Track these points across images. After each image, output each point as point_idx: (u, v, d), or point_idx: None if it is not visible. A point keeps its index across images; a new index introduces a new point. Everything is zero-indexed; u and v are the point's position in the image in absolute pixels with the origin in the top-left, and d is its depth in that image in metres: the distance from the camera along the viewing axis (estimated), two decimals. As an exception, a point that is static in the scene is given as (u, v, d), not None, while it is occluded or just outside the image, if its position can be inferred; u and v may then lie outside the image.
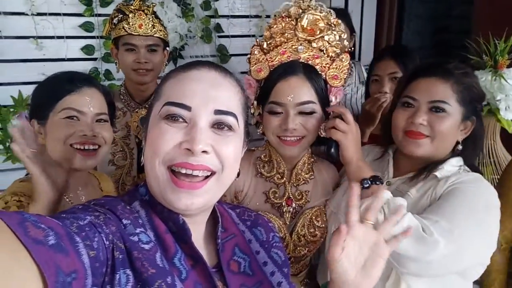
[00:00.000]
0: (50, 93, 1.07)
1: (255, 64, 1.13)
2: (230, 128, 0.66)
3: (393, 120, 1.12)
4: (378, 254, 0.72)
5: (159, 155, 0.62)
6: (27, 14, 1.93)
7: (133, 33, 1.53)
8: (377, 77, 1.69)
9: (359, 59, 2.52)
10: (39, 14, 1.95)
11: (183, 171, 0.61)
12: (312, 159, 1.22)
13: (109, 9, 2.04)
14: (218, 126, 0.65)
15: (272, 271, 0.76)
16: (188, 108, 0.63)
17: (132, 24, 1.53)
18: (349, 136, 1.05)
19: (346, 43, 1.15)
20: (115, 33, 1.56)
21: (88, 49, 2.08)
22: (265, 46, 1.13)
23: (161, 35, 1.60)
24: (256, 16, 2.40)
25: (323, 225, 1.17)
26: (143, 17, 1.56)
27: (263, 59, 1.11)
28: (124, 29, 1.53)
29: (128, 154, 1.60)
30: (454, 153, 1.09)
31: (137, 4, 1.56)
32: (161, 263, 0.59)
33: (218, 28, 2.32)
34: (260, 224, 0.83)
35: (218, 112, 0.64)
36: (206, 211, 0.71)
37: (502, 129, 1.73)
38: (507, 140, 1.78)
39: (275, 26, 1.12)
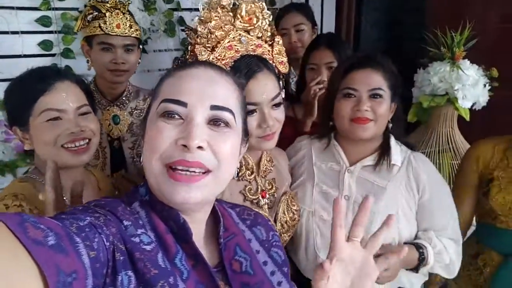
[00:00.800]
0: (23, 97, 1.02)
1: None
2: (226, 124, 0.66)
3: (337, 110, 1.23)
4: (366, 273, 0.68)
5: (156, 152, 0.62)
6: (-24, 8, 1.80)
7: (111, 33, 1.48)
8: (313, 65, 1.75)
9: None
10: (-11, 7, 1.83)
11: (180, 167, 0.61)
12: None
13: (67, 3, 1.97)
14: (214, 122, 0.65)
15: (272, 271, 0.77)
16: (184, 104, 0.63)
17: (110, 24, 1.49)
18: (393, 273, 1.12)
19: (273, 25, 1.16)
20: (89, 30, 1.51)
21: (45, 44, 1.97)
22: (207, 44, 1.05)
23: (137, 35, 1.58)
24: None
25: (298, 208, 1.22)
26: (121, 17, 1.52)
27: (213, 58, 1.04)
28: (101, 28, 1.48)
29: (101, 153, 1.56)
30: (386, 130, 1.26)
31: (113, 2, 1.50)
32: (163, 263, 0.59)
33: (182, 21, 2.28)
34: (259, 223, 0.84)
35: (214, 107, 0.65)
36: (205, 209, 0.72)
37: (459, 117, 1.85)
38: (464, 127, 1.90)
39: (212, 21, 1.04)
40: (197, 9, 2.26)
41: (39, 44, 1.96)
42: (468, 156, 1.48)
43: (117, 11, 1.52)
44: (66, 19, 1.98)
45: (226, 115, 0.66)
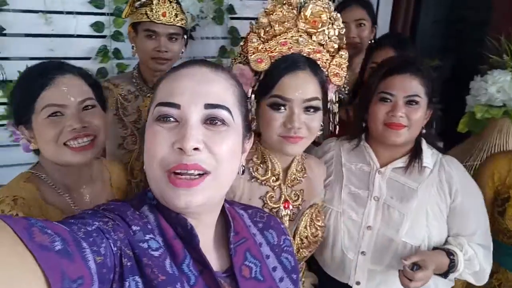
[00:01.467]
0: (25, 94, 0.99)
1: (254, 53, 1.04)
2: (223, 122, 0.64)
3: (371, 113, 1.23)
4: None
5: (155, 157, 0.61)
6: (36, -13, 1.88)
7: (156, 21, 1.49)
8: (375, 65, 1.62)
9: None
10: (48, -13, 1.90)
11: (178, 171, 0.60)
12: (303, 155, 1.19)
13: (121, -15, 2.00)
14: (210, 121, 0.63)
15: (281, 277, 0.76)
16: (177, 106, 0.62)
17: (156, 12, 1.49)
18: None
19: (344, 39, 1.12)
20: (135, 17, 1.52)
21: (97, 26, 2.03)
22: (262, 34, 1.04)
23: (182, 24, 1.57)
24: (270, -1, 2.33)
25: (323, 224, 1.18)
26: (167, 5, 1.52)
27: (262, 48, 1.03)
28: (147, 15, 1.49)
29: (139, 139, 1.59)
30: (419, 135, 1.25)
31: None
32: (170, 269, 0.59)
33: (231, 9, 2.26)
34: (272, 226, 0.82)
35: (208, 106, 0.63)
36: (213, 213, 0.70)
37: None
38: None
39: (274, 14, 1.03)
40: (247, -2, 2.27)
41: (91, 25, 2.03)
42: (483, 171, 1.45)
43: None
44: (118, 2, 2.02)
45: (222, 113, 0.64)
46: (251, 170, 1.10)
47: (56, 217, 0.97)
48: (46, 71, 0.99)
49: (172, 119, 0.62)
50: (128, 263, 0.56)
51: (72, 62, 2.00)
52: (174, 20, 1.53)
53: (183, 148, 0.59)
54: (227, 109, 0.64)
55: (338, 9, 1.90)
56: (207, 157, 0.62)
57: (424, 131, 1.26)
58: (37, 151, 1.05)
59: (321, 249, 1.26)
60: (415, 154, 1.25)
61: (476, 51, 1.95)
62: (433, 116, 1.28)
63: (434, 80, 1.23)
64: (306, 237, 1.12)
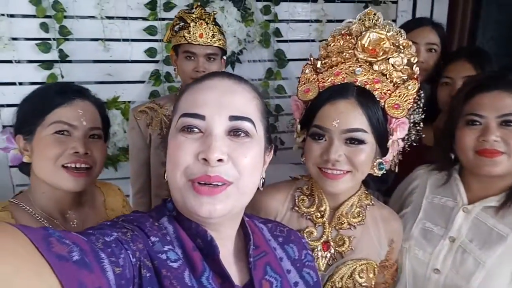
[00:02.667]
0: (38, 106, 0.97)
1: (304, 84, 1.01)
2: (247, 134, 0.64)
3: (458, 140, 1.06)
4: None
5: (179, 167, 0.61)
6: (97, 18, 2.03)
7: (193, 42, 1.55)
8: (448, 79, 1.53)
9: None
10: (107, 17, 2.05)
11: (202, 182, 0.61)
12: (368, 202, 1.05)
13: (172, 14, 2.11)
14: (234, 133, 0.63)
15: None
16: (202, 117, 0.62)
17: (193, 33, 1.55)
18: None
19: (416, 68, 1.01)
20: (175, 40, 1.60)
21: (151, 51, 2.15)
22: (318, 65, 1.01)
23: (220, 44, 1.61)
24: (317, 21, 2.35)
25: (366, 284, 1.00)
26: (204, 26, 1.57)
27: (314, 79, 1.00)
28: (185, 37, 1.55)
29: None
30: None
31: (198, 12, 1.57)
32: (189, 282, 0.58)
33: (277, 32, 2.30)
34: (292, 240, 0.81)
35: (233, 118, 0.63)
36: (232, 224, 0.70)
37: None
38: None
39: (332, 44, 1.02)
40: (293, 21, 2.29)
41: (145, 51, 2.15)
42: None
43: (201, 21, 1.57)
44: (170, 29, 2.13)
45: (245, 125, 0.64)
46: (296, 199, 1.04)
47: None
48: (68, 91, 0.99)
49: (196, 129, 0.63)
50: (147, 274, 0.55)
51: (128, 85, 2.16)
52: (211, 40, 1.58)
53: (208, 159, 0.59)
54: (251, 120, 0.65)
55: (407, 26, 1.67)
56: (230, 169, 0.62)
57: None
58: (22, 168, 1.03)
59: None
60: None
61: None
62: None
63: None
64: None
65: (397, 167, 1.04)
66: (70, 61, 2.07)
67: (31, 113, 0.97)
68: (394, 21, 2.41)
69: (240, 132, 0.63)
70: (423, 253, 1.09)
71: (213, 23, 1.60)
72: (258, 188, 0.69)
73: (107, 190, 1.19)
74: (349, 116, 0.91)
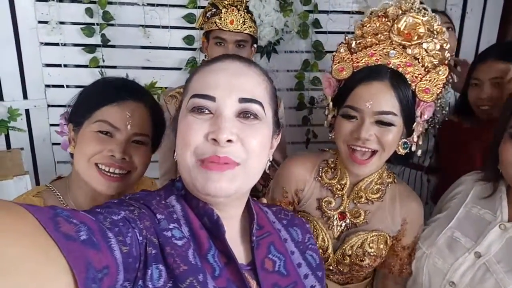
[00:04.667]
0: (90, 98, 0.96)
1: (338, 62, 1.04)
2: (256, 116, 0.65)
3: (501, 155, 0.98)
4: None
5: (189, 146, 0.63)
6: (138, 4, 2.08)
7: (224, 28, 1.55)
8: (476, 81, 1.45)
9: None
10: (149, 4, 2.09)
11: (211, 161, 0.61)
12: (389, 180, 1.10)
13: (210, 1, 2.12)
14: (243, 115, 0.64)
15: (305, 274, 0.74)
16: (212, 98, 0.63)
17: (224, 20, 1.55)
18: None
19: (447, 54, 1.02)
20: (207, 26, 1.61)
21: (188, 39, 2.18)
22: (353, 45, 1.04)
23: (250, 32, 1.60)
24: (358, 12, 2.27)
25: (375, 253, 1.05)
26: (235, 13, 1.57)
27: (348, 58, 1.03)
28: (216, 23, 1.56)
29: None
30: None
31: (231, 1, 1.57)
32: (193, 259, 0.59)
33: (316, 23, 2.25)
34: (296, 224, 0.81)
35: (242, 100, 0.64)
36: (239, 204, 0.71)
37: None
38: None
39: (368, 25, 1.03)
40: (334, 12, 2.23)
41: (183, 39, 2.18)
42: None
43: (233, 7, 1.57)
44: (208, 17, 2.14)
45: (255, 107, 0.65)
46: (321, 170, 1.11)
47: None
48: (122, 89, 0.94)
49: (206, 111, 0.64)
50: (153, 251, 0.56)
51: (165, 71, 2.19)
52: (241, 27, 1.57)
53: (217, 139, 0.60)
54: (260, 103, 0.66)
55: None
56: (239, 149, 0.63)
57: None
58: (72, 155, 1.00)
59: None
60: None
61: None
62: None
63: None
64: (349, 256, 1.05)
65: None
66: (112, 46, 2.14)
67: (83, 106, 0.96)
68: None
69: (249, 114, 0.64)
70: (442, 262, 1.04)
71: (245, 10, 1.60)
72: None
73: (140, 185, 1.14)
74: (382, 99, 0.94)
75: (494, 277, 0.95)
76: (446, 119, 1.66)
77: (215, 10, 1.58)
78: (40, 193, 0.98)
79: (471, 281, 0.98)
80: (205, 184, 0.61)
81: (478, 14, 2.36)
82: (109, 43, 2.11)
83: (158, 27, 2.13)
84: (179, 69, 2.22)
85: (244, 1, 1.61)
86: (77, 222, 0.46)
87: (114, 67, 2.18)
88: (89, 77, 2.12)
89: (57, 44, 2.09)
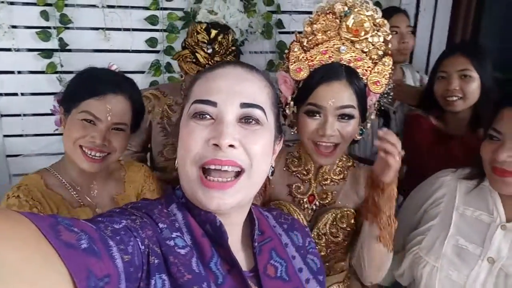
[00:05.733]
0: (77, 89, 1.09)
1: (294, 62, 1.08)
2: (257, 121, 0.65)
3: (481, 153, 1.02)
4: None
5: (189, 153, 0.62)
6: (97, 6, 2.01)
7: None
8: (444, 73, 1.53)
9: (411, 62, 2.38)
10: (108, 6, 2.02)
11: (212, 167, 0.61)
12: (349, 164, 1.19)
13: (174, 3, 2.11)
14: (245, 120, 0.64)
15: (307, 278, 0.74)
16: (214, 104, 0.63)
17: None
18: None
19: (390, 45, 1.10)
20: (185, 66, 1.56)
21: (151, 41, 2.13)
22: (305, 43, 1.08)
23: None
24: (320, 13, 2.32)
25: (348, 228, 1.13)
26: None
27: (303, 57, 1.07)
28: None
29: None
30: None
31: (218, 58, 1.54)
32: (197, 268, 0.58)
33: (280, 24, 2.27)
34: (296, 228, 0.82)
35: (244, 105, 0.64)
36: (242, 212, 0.70)
37: None
38: None
39: (317, 23, 1.07)
40: (296, 12, 2.27)
41: (146, 41, 2.12)
42: None
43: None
44: (171, 19, 2.11)
45: (256, 112, 0.65)
46: (288, 161, 1.19)
47: (56, 201, 1.08)
48: (104, 82, 1.07)
49: (208, 116, 0.63)
50: (156, 261, 0.55)
51: (128, 75, 2.12)
52: None
53: (219, 145, 0.60)
54: (262, 108, 0.65)
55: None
56: (242, 154, 0.62)
57: None
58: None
59: None
60: None
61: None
62: None
63: None
64: (324, 234, 1.12)
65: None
66: (69, 50, 2.04)
67: (72, 95, 1.09)
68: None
69: (251, 120, 0.64)
70: (457, 274, 1.02)
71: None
72: None
73: (130, 166, 1.31)
74: (342, 95, 1.02)
75: None
76: (409, 113, 1.74)
77: (195, 60, 1.53)
78: (39, 172, 1.12)
79: None
80: (206, 201, 0.61)
81: (431, 12, 2.48)
82: (67, 47, 2.02)
83: (119, 29, 2.06)
84: (142, 72, 2.16)
85: (233, 50, 1.59)
86: (78, 230, 0.46)
87: (73, 72, 2.09)
88: (46, 84, 2.02)
89: (9, 50, 1.97)
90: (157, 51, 2.16)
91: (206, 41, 1.53)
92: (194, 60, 1.53)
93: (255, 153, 0.63)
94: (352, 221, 1.14)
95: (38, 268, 0.39)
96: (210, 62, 1.51)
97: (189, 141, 0.62)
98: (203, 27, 1.55)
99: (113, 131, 1.09)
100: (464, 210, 1.08)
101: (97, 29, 2.04)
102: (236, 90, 0.64)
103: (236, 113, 0.63)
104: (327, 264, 1.15)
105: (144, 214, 0.60)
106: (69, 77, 1.98)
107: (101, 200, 1.17)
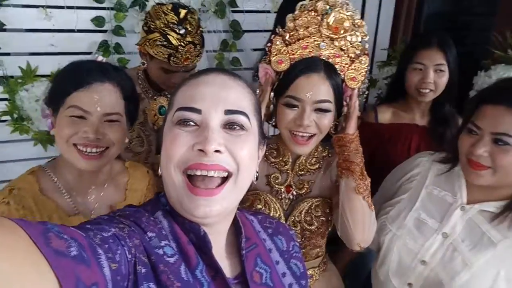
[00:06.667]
0: (61, 85, 1.02)
1: (276, 55, 1.14)
2: (242, 127, 0.66)
3: (458, 144, 1.09)
4: None
5: (173, 159, 0.62)
6: (37, -18, 1.86)
7: (178, 66, 1.47)
8: (420, 65, 1.60)
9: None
10: (49, -18, 1.88)
11: (198, 173, 0.61)
12: (324, 154, 1.26)
13: (122, -21, 1.98)
14: (230, 126, 0.65)
15: (290, 283, 0.76)
16: (198, 111, 0.64)
17: (180, 58, 1.46)
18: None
19: (367, 45, 1.16)
20: (152, 51, 1.48)
21: (98, 20, 2.01)
22: (287, 37, 1.14)
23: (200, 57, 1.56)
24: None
25: (323, 218, 1.19)
26: (191, 50, 1.48)
27: (284, 50, 1.13)
28: (169, 61, 1.46)
29: (145, 141, 1.58)
30: None
31: (190, 38, 1.47)
32: (185, 276, 0.59)
33: (233, 2, 2.22)
34: (281, 232, 0.83)
35: (228, 112, 0.65)
36: (226, 220, 0.71)
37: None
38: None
39: (300, 19, 1.13)
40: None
41: (92, 20, 2.01)
42: None
43: (190, 45, 1.50)
44: (119, -4, 2.00)
45: (241, 118, 0.66)
46: (267, 152, 1.23)
47: (49, 209, 1.01)
48: (88, 72, 0.99)
49: (192, 123, 0.64)
50: (143, 270, 0.56)
51: (73, 57, 2.02)
52: (195, 61, 1.56)
53: (204, 150, 0.60)
54: (246, 114, 0.66)
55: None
56: (229, 159, 0.63)
57: None
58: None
59: (376, 260, 1.26)
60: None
61: (479, 50, 1.92)
62: None
63: None
64: (299, 222, 1.18)
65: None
66: (5, 30, 1.87)
67: (56, 93, 1.02)
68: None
69: (235, 126, 0.65)
70: (413, 243, 1.13)
71: (200, 35, 1.54)
72: None
73: (135, 171, 1.21)
74: (320, 89, 1.08)
75: (461, 256, 1.06)
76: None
77: (166, 42, 1.45)
78: (34, 172, 1.05)
79: (442, 259, 1.09)
80: (193, 208, 0.62)
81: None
82: (4, 27, 1.85)
83: (62, 7, 1.92)
84: (90, 53, 2.04)
85: (200, 30, 1.54)
86: (68, 237, 0.46)
87: (11, 54, 1.94)
88: (-20, 66, 1.86)
89: None
90: (105, 31, 2.05)
91: (175, 22, 1.46)
92: (165, 43, 1.46)
93: (242, 158, 0.64)
94: (328, 210, 1.19)
95: (28, 275, 0.40)
96: (182, 43, 1.46)
97: (172, 146, 0.63)
98: (169, 8, 1.48)
99: (107, 123, 1.01)
100: (432, 189, 1.19)
101: (37, 6, 1.89)
102: (220, 96, 0.65)
103: (221, 119, 0.64)
104: (303, 250, 1.19)
105: (132, 223, 0.61)
106: (7, 60, 1.89)
107: (98, 207, 1.09)
